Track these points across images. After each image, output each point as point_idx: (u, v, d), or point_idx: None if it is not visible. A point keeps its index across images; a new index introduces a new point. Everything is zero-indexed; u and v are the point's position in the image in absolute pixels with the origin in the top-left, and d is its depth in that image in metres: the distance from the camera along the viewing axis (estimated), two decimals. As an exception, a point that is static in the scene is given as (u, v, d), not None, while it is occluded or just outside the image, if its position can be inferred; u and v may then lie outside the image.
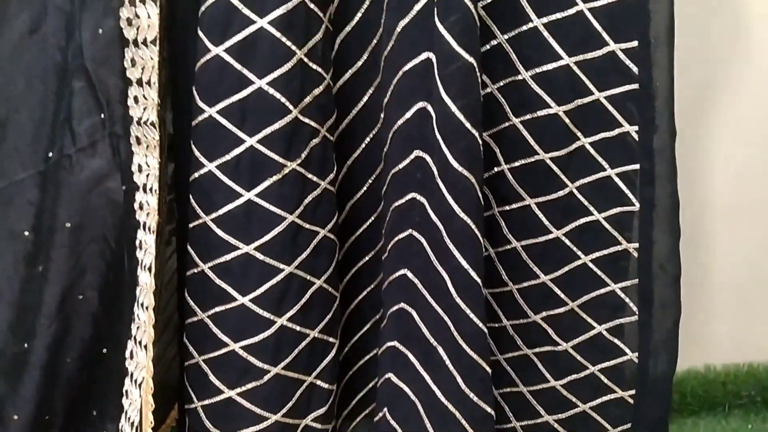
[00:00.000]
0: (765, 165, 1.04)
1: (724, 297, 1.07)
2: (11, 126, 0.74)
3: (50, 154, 0.74)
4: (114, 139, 0.77)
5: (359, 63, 0.73)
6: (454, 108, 0.64)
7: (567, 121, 0.72)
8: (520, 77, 0.72)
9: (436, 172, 0.66)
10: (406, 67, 0.67)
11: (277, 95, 0.66)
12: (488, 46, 0.72)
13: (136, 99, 0.75)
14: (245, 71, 0.66)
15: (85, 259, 0.76)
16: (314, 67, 0.68)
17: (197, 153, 0.68)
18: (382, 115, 0.71)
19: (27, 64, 0.73)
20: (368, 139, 0.75)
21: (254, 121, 0.66)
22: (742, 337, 1.07)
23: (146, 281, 0.72)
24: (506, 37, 0.72)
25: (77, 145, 0.76)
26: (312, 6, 0.67)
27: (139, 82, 0.74)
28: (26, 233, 0.74)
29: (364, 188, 0.76)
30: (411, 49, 0.66)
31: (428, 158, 0.67)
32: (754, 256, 1.07)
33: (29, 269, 0.74)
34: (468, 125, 0.65)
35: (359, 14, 0.72)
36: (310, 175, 0.69)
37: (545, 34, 0.71)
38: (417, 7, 0.65)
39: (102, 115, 0.76)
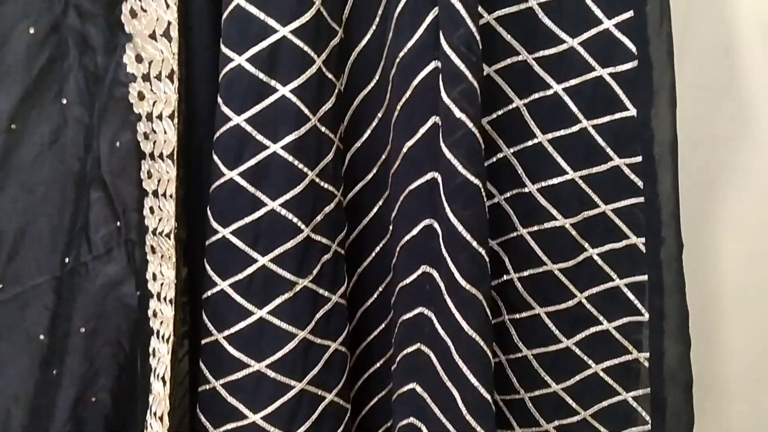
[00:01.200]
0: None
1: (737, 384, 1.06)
2: (29, 233, 0.76)
3: (67, 261, 0.76)
4: (129, 246, 0.79)
5: (369, 176, 0.75)
6: (460, 227, 0.66)
7: (574, 233, 0.73)
8: (526, 190, 0.74)
9: (443, 288, 0.67)
10: (412, 186, 0.69)
11: (290, 216, 0.68)
12: (494, 159, 0.74)
13: (151, 209, 0.78)
14: (258, 193, 0.68)
15: (99, 363, 0.78)
16: (325, 186, 0.70)
17: (210, 272, 0.70)
18: (390, 228, 0.73)
19: (46, 174, 0.76)
20: (378, 248, 0.76)
21: (267, 241, 0.68)
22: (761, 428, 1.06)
23: (159, 391, 0.73)
24: (512, 150, 0.74)
25: (93, 253, 0.78)
26: (323, 129, 0.69)
27: (155, 194, 0.77)
28: (41, 337, 0.76)
29: (375, 295, 0.77)
30: (417, 169, 0.68)
31: (435, 274, 0.68)
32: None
33: (44, 373, 0.76)
34: (474, 243, 0.66)
35: (368, 132, 0.74)
36: (321, 291, 0.71)
37: (550, 149, 0.72)
38: (422, 130, 0.67)
39: (118, 223, 0.79)
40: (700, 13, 1.12)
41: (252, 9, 0.65)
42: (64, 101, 0.76)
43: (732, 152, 1.08)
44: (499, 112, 0.74)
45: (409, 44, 0.66)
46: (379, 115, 0.73)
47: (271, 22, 0.65)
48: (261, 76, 0.66)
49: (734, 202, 1.06)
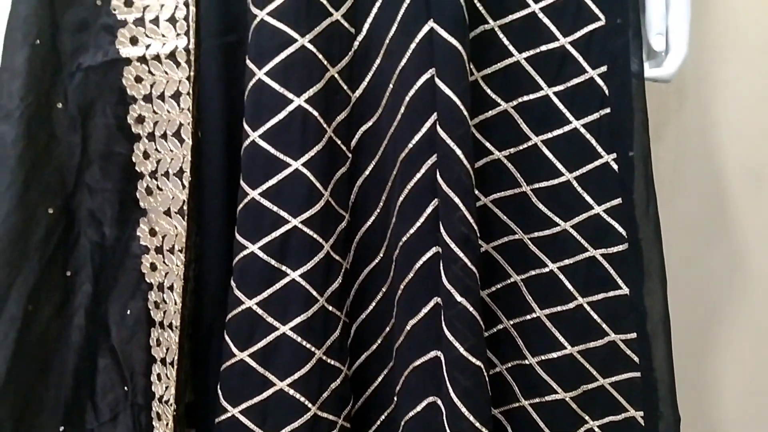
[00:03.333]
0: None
1: None
2: (35, 399, 0.77)
3: (62, 429, 0.78)
4: (136, 409, 0.80)
5: (373, 347, 0.77)
6: (462, 408, 0.68)
7: (574, 406, 0.75)
8: (526, 362, 0.76)
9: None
10: (416, 363, 0.71)
11: (297, 395, 0.70)
12: (494, 330, 0.77)
13: (159, 377, 0.79)
14: (267, 374, 0.70)
15: None
16: (332, 362, 0.73)
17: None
18: (394, 402, 0.74)
19: (54, 342, 0.79)
20: (381, 419, 0.78)
21: (274, 420, 0.70)
22: None
23: None
24: (512, 323, 0.77)
25: (100, 420, 0.80)
26: (331, 308, 0.72)
27: (163, 362, 0.79)
28: None
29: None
30: (420, 347, 0.71)
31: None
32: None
33: None
34: (477, 423, 0.68)
35: (373, 304, 0.77)
36: None
37: (549, 325, 0.75)
38: (425, 310, 0.70)
39: (125, 388, 0.80)
40: (688, 161, 1.18)
41: (266, 203, 0.69)
42: (68, 273, 0.79)
43: (726, 291, 1.11)
44: (498, 286, 0.77)
45: (412, 230, 0.70)
46: (384, 289, 0.76)
47: (283, 213, 0.69)
48: (273, 262, 0.69)
49: (731, 341, 1.08)
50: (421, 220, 0.69)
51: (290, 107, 0.68)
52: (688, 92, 1.15)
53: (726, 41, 1.14)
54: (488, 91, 0.73)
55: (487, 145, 0.74)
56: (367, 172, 0.74)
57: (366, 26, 0.70)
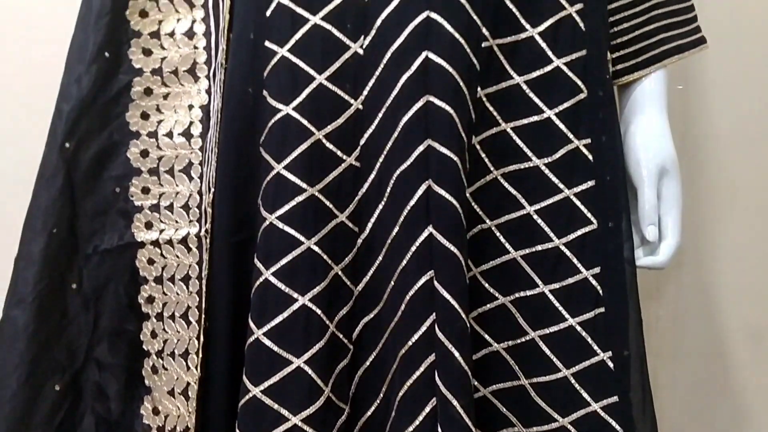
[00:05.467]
0: None
1: None
2: None
3: None
4: None
5: None
6: None
7: None
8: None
9: None
10: None
11: None
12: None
13: None
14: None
15: None
16: None
17: None
18: None
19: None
20: None
21: None
22: None
23: None
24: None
25: None
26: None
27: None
28: None
29: None
30: None
31: None
32: None
33: None
34: None
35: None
36: None
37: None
38: (420, 417, 0.70)
39: None
40: (689, 319, 1.19)
41: (267, 401, 0.70)
42: None
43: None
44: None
45: (410, 429, 0.70)
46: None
47: (284, 412, 0.70)
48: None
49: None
50: (420, 419, 0.70)
51: (294, 306, 0.70)
52: (686, 252, 1.18)
53: (722, 203, 1.18)
54: (486, 285, 0.76)
55: (486, 337, 0.76)
56: (367, 363, 0.75)
57: (369, 225, 0.74)
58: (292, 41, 0.72)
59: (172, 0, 0.81)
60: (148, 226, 0.81)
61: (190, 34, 0.81)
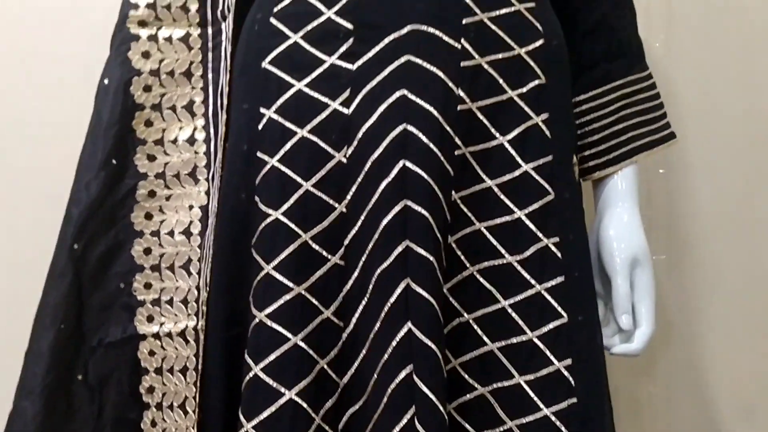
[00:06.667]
0: None
1: None
2: None
3: None
4: None
5: None
6: None
7: None
8: None
9: None
10: None
11: None
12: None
13: None
14: None
15: None
16: None
17: None
18: None
19: None
20: None
21: None
22: None
23: None
24: None
25: None
26: None
27: None
28: None
29: None
30: None
31: None
32: None
33: None
34: None
35: None
36: None
37: None
38: None
39: None
40: (680, 397, 1.21)
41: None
42: None
43: None
44: None
45: None
46: None
47: None
48: None
49: None
50: None
51: (281, 400, 0.75)
52: (676, 328, 1.21)
53: (709, 279, 1.21)
54: (466, 376, 0.80)
55: (467, 426, 0.80)
56: None
57: (353, 320, 0.78)
58: (281, 152, 0.79)
59: (175, 110, 0.88)
60: (150, 319, 0.86)
61: (191, 140, 0.88)
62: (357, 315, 0.78)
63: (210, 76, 0.88)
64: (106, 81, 0.87)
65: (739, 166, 1.20)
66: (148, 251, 0.87)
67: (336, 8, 0.79)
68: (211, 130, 0.88)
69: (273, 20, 0.81)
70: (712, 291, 1.21)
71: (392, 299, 0.75)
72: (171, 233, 0.88)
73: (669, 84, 1.13)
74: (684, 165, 1.20)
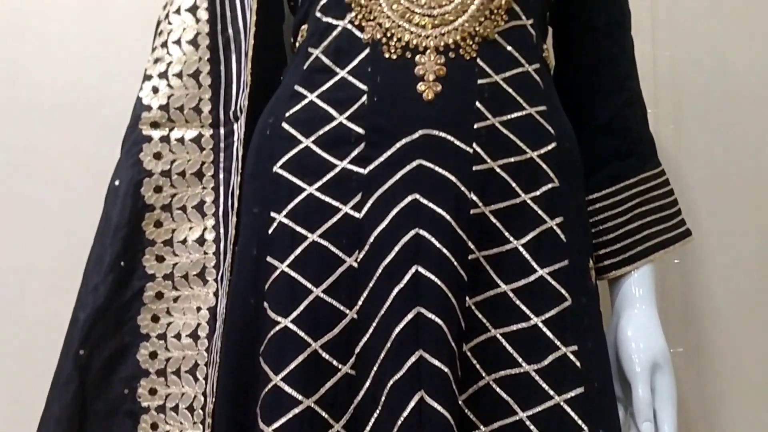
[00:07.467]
0: None
1: None
2: None
3: None
4: None
5: None
6: None
7: None
8: None
9: None
10: None
11: None
12: None
13: None
14: None
15: None
16: None
17: None
18: None
19: None
20: None
21: None
22: None
23: None
24: None
25: None
26: None
27: None
28: None
29: None
30: None
31: None
32: None
33: None
34: None
35: None
36: None
37: None
38: None
39: None
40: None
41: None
42: None
43: None
44: None
45: None
46: None
47: None
48: None
49: None
50: None
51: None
52: (693, 421, 1.17)
53: (728, 372, 1.18)
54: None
55: None
56: None
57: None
58: (291, 257, 0.77)
59: (185, 210, 0.88)
60: (154, 427, 0.84)
61: (201, 240, 0.87)
62: (368, 429, 0.75)
63: (221, 176, 0.88)
64: (116, 182, 0.87)
65: (754, 256, 1.18)
66: (153, 355, 0.85)
67: (348, 113, 0.79)
68: (221, 230, 0.87)
69: (285, 125, 0.81)
70: (730, 383, 1.18)
71: (405, 413, 0.72)
72: (178, 336, 0.86)
73: (679, 173, 1.13)
74: (699, 256, 1.18)
